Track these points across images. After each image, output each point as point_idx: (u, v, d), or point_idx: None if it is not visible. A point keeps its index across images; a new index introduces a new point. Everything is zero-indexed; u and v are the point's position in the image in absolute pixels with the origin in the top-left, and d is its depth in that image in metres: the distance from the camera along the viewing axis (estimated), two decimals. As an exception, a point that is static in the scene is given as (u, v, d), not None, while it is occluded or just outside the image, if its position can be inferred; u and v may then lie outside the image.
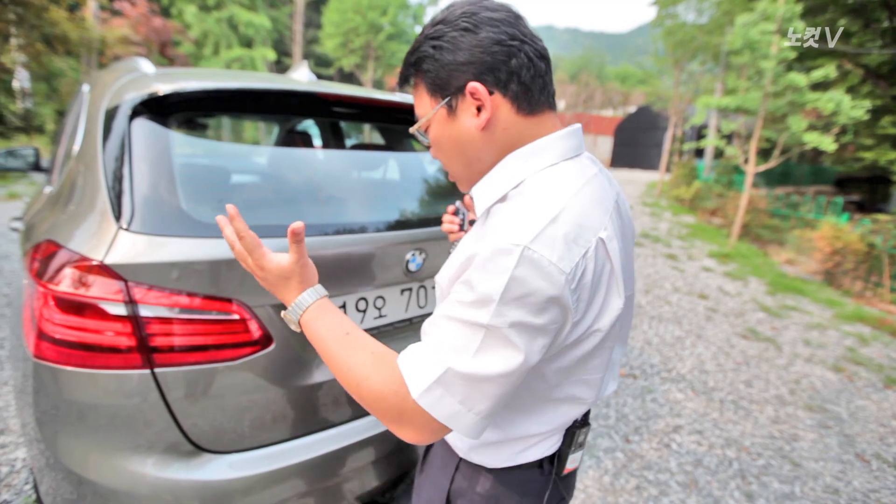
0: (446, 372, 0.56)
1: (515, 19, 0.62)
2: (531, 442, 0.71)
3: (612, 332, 0.64)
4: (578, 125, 0.68)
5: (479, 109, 0.62)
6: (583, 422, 0.77)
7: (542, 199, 0.58)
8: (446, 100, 0.64)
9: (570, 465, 0.76)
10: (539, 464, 0.74)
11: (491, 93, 0.62)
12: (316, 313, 0.70)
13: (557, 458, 0.74)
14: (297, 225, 0.71)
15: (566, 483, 0.79)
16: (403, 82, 0.70)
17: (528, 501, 0.74)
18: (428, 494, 0.81)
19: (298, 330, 0.73)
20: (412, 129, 0.71)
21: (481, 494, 0.74)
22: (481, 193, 0.67)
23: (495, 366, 0.55)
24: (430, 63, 0.63)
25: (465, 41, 0.60)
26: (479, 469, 0.74)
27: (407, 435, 0.60)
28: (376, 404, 0.61)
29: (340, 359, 0.65)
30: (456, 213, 0.99)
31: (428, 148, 0.73)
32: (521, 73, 0.61)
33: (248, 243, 0.74)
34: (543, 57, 0.63)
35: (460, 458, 0.76)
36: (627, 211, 0.73)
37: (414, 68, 0.66)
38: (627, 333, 0.77)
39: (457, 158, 0.68)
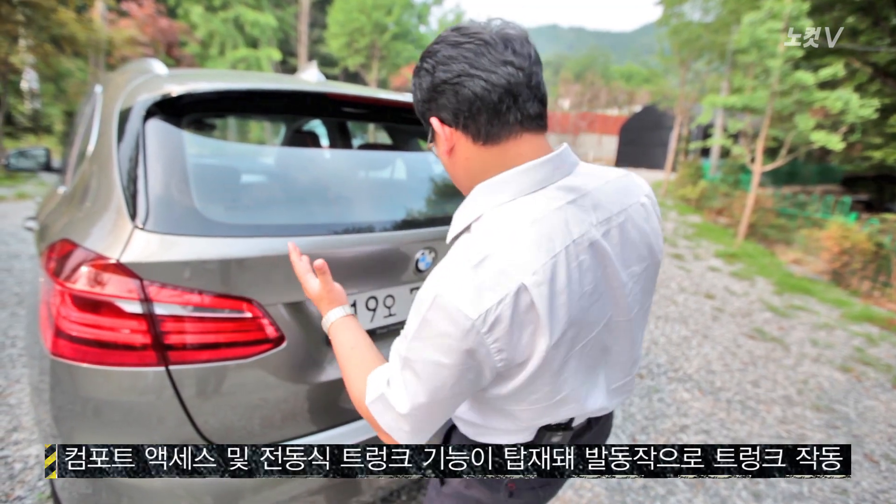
0: (380, 396, 0.69)
1: (477, 49, 0.62)
2: (499, 433, 0.78)
3: (554, 365, 0.64)
4: (563, 147, 0.70)
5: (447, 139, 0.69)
6: (564, 426, 0.77)
7: (478, 242, 0.62)
8: (429, 130, 0.71)
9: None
10: (516, 448, 0.78)
11: (450, 125, 0.67)
12: (336, 329, 0.85)
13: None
14: (319, 263, 0.87)
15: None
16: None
17: (497, 480, 0.81)
18: None
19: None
20: (427, 146, 0.83)
21: None
22: (455, 221, 0.72)
23: (403, 402, 0.65)
24: (413, 100, 0.72)
25: (424, 82, 0.67)
26: (465, 438, 0.84)
27: (379, 433, 0.73)
28: (357, 406, 0.75)
29: (343, 367, 0.80)
30: None
31: None
32: (468, 107, 0.63)
33: (296, 269, 0.91)
34: (500, 86, 0.62)
35: (454, 426, 0.88)
36: (634, 230, 0.71)
37: (417, 110, 0.74)
38: (621, 357, 0.77)
39: (449, 173, 0.76)
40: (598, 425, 0.89)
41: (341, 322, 0.85)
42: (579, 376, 0.71)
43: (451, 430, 0.91)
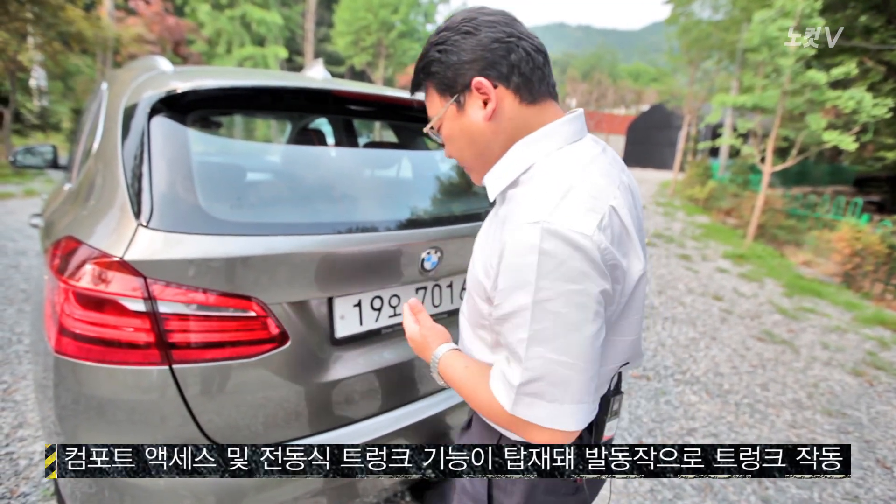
0: (518, 390, 0.62)
1: (511, 21, 0.69)
2: None
3: (639, 297, 0.68)
4: (580, 110, 0.73)
5: (485, 103, 0.69)
6: (615, 390, 0.78)
7: (553, 178, 0.64)
8: (455, 97, 0.70)
9: (607, 433, 0.79)
10: (578, 435, 0.74)
11: (495, 86, 0.68)
12: (446, 362, 0.79)
13: (595, 427, 0.77)
14: (412, 301, 0.88)
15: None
16: (415, 88, 0.76)
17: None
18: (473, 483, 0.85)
19: (442, 382, 0.82)
20: (426, 129, 0.77)
21: None
22: (494, 179, 0.72)
23: (552, 369, 0.59)
24: (437, 66, 0.70)
25: (467, 43, 0.67)
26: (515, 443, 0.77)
27: (539, 439, 0.65)
28: (497, 421, 0.68)
29: (465, 391, 0.74)
30: None
31: (442, 146, 0.78)
32: (521, 66, 0.67)
33: (405, 319, 0.88)
34: (540, 51, 0.69)
35: (502, 437, 0.80)
36: (635, 188, 0.75)
37: (423, 73, 0.73)
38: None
39: (469, 150, 0.74)
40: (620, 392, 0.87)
41: (449, 355, 0.79)
42: (641, 313, 0.73)
43: (470, 420, 0.89)
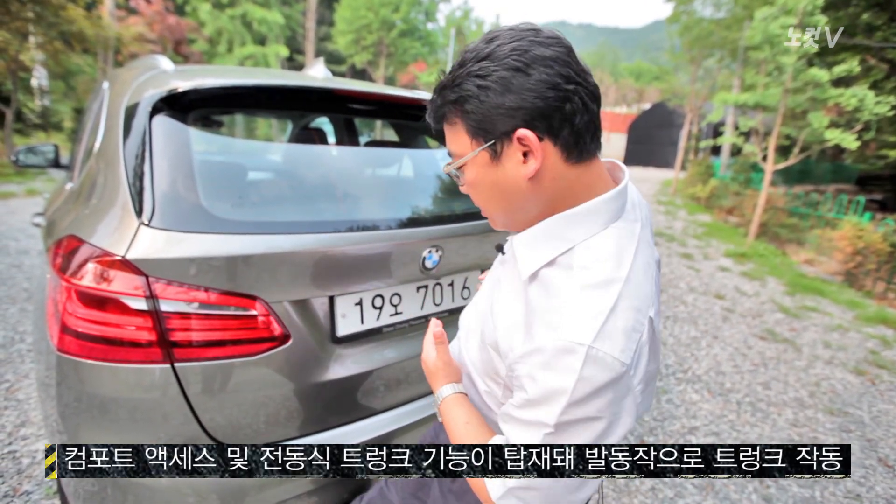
0: (511, 488, 0.60)
1: (568, 55, 0.57)
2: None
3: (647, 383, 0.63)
4: (626, 182, 0.65)
5: (525, 156, 0.58)
6: None
7: (598, 283, 0.57)
8: (490, 143, 0.59)
9: None
10: None
11: (541, 139, 0.57)
12: (448, 405, 0.78)
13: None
14: (437, 331, 0.83)
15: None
16: (439, 120, 0.64)
17: None
18: None
19: (440, 418, 0.81)
20: (446, 169, 0.67)
21: None
22: (526, 251, 0.64)
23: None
24: (474, 104, 0.58)
25: (515, 83, 0.55)
26: None
27: None
28: (475, 489, 0.66)
29: (455, 443, 0.72)
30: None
31: (459, 183, 0.69)
32: (575, 120, 0.57)
33: (426, 337, 0.86)
34: (596, 98, 0.59)
35: None
36: (652, 241, 0.72)
37: (454, 106, 0.60)
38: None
39: (497, 204, 0.64)
40: None
41: (454, 398, 0.77)
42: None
43: None
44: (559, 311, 0.56)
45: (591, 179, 0.62)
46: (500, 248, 0.80)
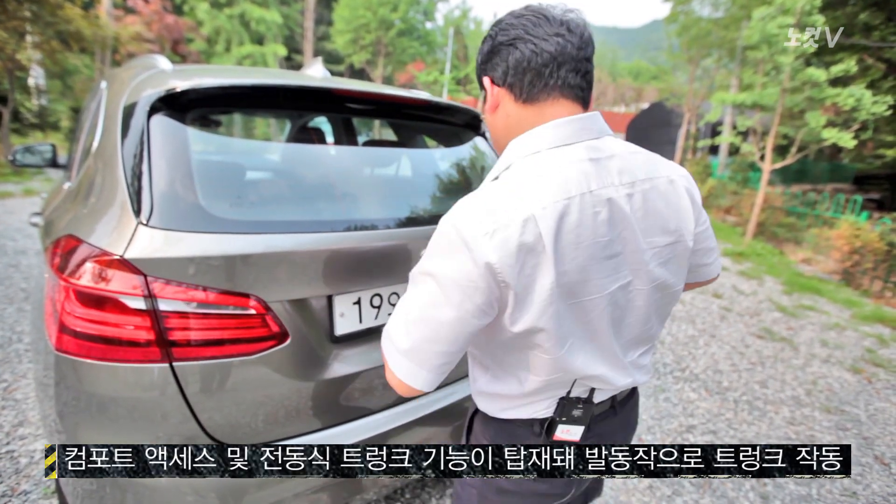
0: (385, 334, 0.74)
1: (535, 21, 0.70)
2: (515, 402, 0.79)
3: (558, 310, 0.65)
4: (581, 115, 0.73)
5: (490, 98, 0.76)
6: (578, 399, 0.78)
7: (497, 185, 0.68)
8: (482, 91, 0.79)
9: (561, 435, 0.80)
10: (530, 424, 0.80)
11: (498, 85, 0.74)
12: None
13: (548, 425, 0.79)
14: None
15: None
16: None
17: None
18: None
19: None
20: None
21: (487, 441, 0.85)
22: (489, 174, 0.76)
23: (402, 327, 0.70)
24: (476, 66, 0.80)
25: (485, 46, 0.76)
26: (487, 418, 0.85)
27: (391, 381, 0.74)
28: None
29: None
30: None
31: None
32: (515, 68, 0.71)
33: None
34: (546, 52, 0.69)
35: (477, 408, 0.88)
36: (660, 202, 0.74)
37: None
38: (633, 329, 0.77)
39: (492, 133, 0.82)
40: (623, 411, 0.88)
41: None
42: (588, 335, 0.71)
43: (474, 414, 0.91)
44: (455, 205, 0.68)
45: (542, 118, 0.72)
46: None
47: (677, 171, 0.79)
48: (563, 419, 0.78)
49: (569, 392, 0.77)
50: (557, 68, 0.70)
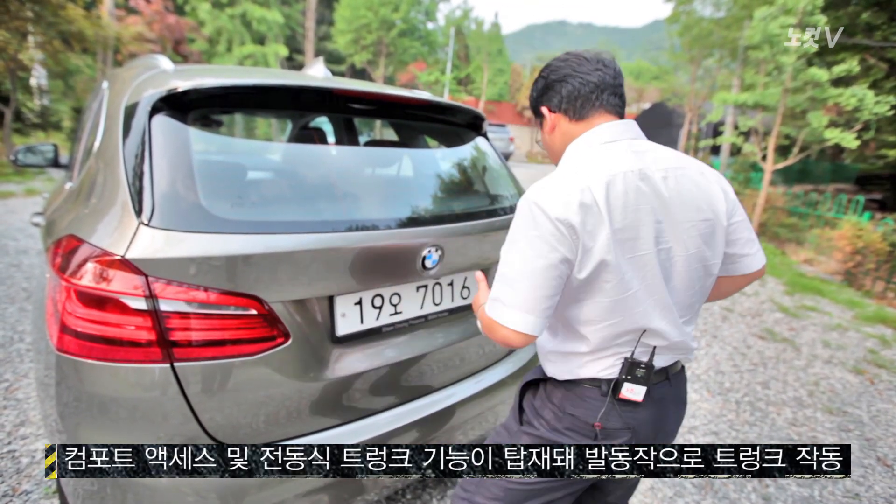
0: (492, 299, 0.88)
1: (578, 61, 0.94)
2: (582, 359, 0.93)
3: (616, 261, 0.82)
4: (619, 123, 0.94)
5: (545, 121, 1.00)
6: (640, 362, 0.91)
7: (560, 170, 0.88)
8: (539, 117, 1.01)
9: (626, 393, 0.91)
10: (598, 384, 0.93)
11: (553, 111, 0.97)
12: (481, 312, 0.99)
13: (615, 383, 0.91)
14: (479, 274, 1.13)
15: (632, 415, 0.93)
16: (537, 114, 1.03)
17: (590, 416, 0.92)
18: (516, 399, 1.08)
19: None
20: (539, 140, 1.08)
21: (555, 403, 0.97)
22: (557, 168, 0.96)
23: (511, 287, 0.85)
24: (530, 99, 1.04)
25: (539, 84, 1.00)
26: (556, 383, 0.98)
27: (500, 335, 0.88)
28: (487, 334, 0.93)
29: (481, 323, 0.96)
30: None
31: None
32: (569, 97, 0.95)
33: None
34: (591, 83, 0.93)
35: (547, 376, 1.00)
36: (693, 185, 0.90)
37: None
38: (680, 294, 0.92)
39: (549, 150, 1.04)
40: (677, 383, 1.02)
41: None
42: (647, 289, 0.86)
43: (526, 391, 1.05)
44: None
45: (590, 127, 0.94)
46: None
47: (709, 169, 0.96)
48: (628, 377, 0.91)
49: (633, 353, 0.91)
50: (601, 93, 0.93)
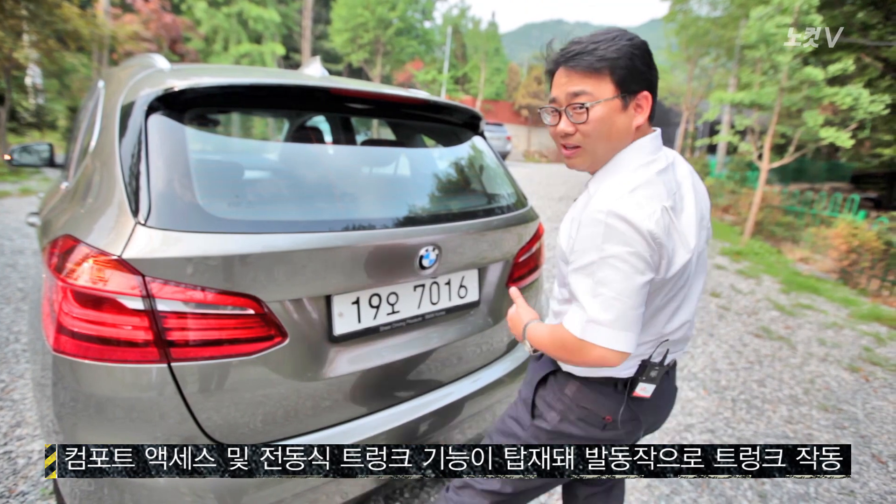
0: (585, 322, 0.84)
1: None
2: None
3: (683, 281, 0.90)
4: (658, 131, 0.96)
5: (637, 111, 0.91)
6: (653, 363, 0.96)
7: (621, 181, 0.86)
8: (622, 95, 0.88)
9: (639, 392, 0.98)
10: (614, 383, 0.98)
11: (648, 99, 0.91)
12: (532, 329, 1.01)
13: (630, 382, 0.97)
14: (513, 291, 1.16)
15: (640, 408, 1.01)
16: (591, 66, 0.87)
17: (602, 410, 0.98)
18: (525, 392, 1.11)
19: (528, 347, 1.03)
20: (578, 99, 0.89)
21: (569, 396, 1.01)
22: (595, 184, 0.94)
23: (609, 307, 0.82)
24: (625, 63, 0.86)
25: (649, 61, 0.90)
26: (569, 376, 1.02)
27: (595, 356, 0.84)
28: (565, 350, 0.89)
29: (547, 343, 0.94)
30: None
31: (555, 117, 0.94)
32: (656, 96, 0.92)
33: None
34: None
35: (558, 368, 1.04)
36: (702, 188, 1.00)
37: (610, 62, 0.86)
38: (694, 297, 0.98)
39: (605, 140, 0.91)
40: (671, 376, 1.10)
41: (535, 324, 1.02)
42: (684, 296, 0.94)
43: (540, 387, 1.07)
44: (595, 199, 0.86)
45: (648, 131, 0.94)
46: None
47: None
48: (644, 378, 0.96)
49: (651, 355, 0.96)
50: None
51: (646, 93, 0.90)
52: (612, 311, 0.81)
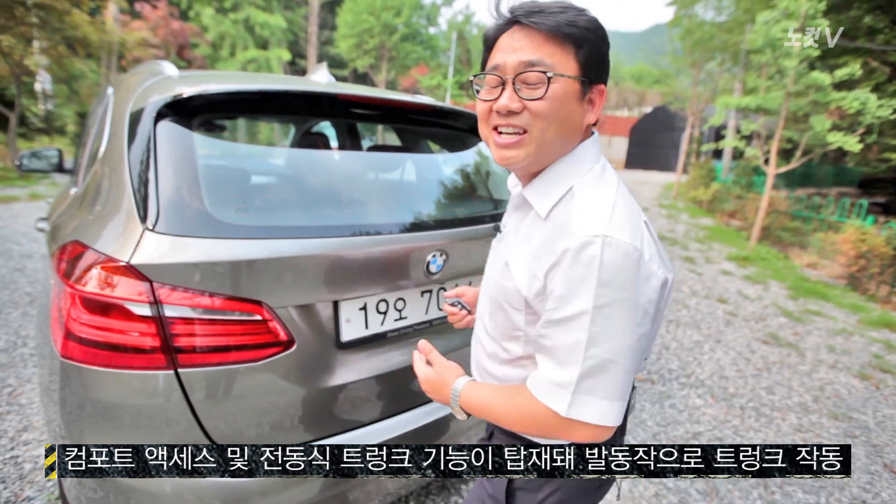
0: (575, 387, 0.66)
1: None
2: None
3: (663, 303, 0.74)
4: (595, 133, 0.79)
5: (591, 106, 0.74)
6: (633, 387, 0.84)
7: (593, 201, 0.69)
8: (584, 80, 0.70)
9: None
10: None
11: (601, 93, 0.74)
12: (467, 392, 0.82)
13: (623, 421, 0.83)
14: (421, 343, 0.93)
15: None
16: (558, 29, 0.68)
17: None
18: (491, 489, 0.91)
19: (462, 416, 0.85)
20: (539, 55, 0.68)
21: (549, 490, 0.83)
22: (540, 196, 0.75)
23: (614, 344, 0.64)
24: (596, 46, 0.70)
25: (608, 51, 0.73)
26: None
27: (582, 436, 0.69)
28: (540, 429, 0.71)
29: (497, 413, 0.76)
30: (454, 304, 1.06)
31: (495, 90, 0.72)
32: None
33: (415, 367, 0.93)
34: None
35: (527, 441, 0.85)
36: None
37: (580, 31, 0.68)
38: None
39: (556, 128, 0.71)
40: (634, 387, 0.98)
41: (470, 386, 0.83)
42: (658, 317, 0.78)
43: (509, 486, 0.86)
44: (572, 223, 0.67)
45: (589, 133, 0.78)
46: (497, 228, 0.92)
47: None
48: (629, 411, 0.88)
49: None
50: None
51: (601, 86, 0.72)
52: (609, 377, 0.65)
